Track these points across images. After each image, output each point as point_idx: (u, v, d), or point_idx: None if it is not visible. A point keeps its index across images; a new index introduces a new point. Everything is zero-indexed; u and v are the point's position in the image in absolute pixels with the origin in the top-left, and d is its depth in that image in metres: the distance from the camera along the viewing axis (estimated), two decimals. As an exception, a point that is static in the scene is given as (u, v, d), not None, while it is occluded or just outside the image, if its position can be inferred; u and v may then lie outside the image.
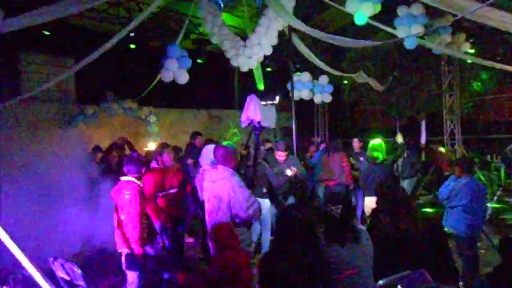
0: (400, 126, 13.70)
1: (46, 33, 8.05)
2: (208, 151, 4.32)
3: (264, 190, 5.86)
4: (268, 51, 7.32)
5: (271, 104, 10.05)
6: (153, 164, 5.28)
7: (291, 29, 7.12)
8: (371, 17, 6.28)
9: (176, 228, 5.25)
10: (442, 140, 11.32)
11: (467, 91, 12.22)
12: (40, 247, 3.93)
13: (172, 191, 5.13)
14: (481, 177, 9.24)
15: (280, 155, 5.95)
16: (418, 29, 6.34)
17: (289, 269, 2.41)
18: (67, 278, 3.48)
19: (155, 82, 8.41)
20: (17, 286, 3.32)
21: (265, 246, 5.81)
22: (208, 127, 12.48)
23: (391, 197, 3.39)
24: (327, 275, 2.59)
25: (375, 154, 6.19)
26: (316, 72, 10.23)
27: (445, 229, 4.64)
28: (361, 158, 7.05)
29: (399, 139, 6.51)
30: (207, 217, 3.91)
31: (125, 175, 4.15)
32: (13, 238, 2.36)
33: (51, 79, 5.60)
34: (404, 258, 2.85)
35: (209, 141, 6.57)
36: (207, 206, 3.92)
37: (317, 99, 10.53)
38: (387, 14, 6.58)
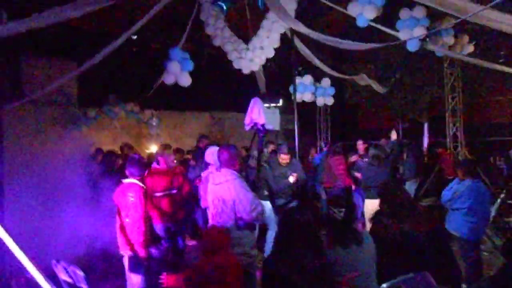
0: (403, 128, 13.66)
1: (48, 36, 8.06)
2: (212, 153, 4.32)
3: (266, 193, 5.86)
4: (271, 54, 7.32)
5: (275, 107, 10.08)
6: (154, 165, 5.29)
7: (293, 31, 7.13)
8: (373, 20, 6.29)
9: (176, 230, 5.25)
10: (445, 142, 11.28)
11: (468, 94, 12.17)
12: (43, 249, 3.94)
13: (172, 192, 5.13)
14: (484, 179, 9.19)
15: (283, 158, 5.95)
16: (420, 31, 6.35)
17: (292, 271, 2.40)
18: (70, 280, 3.47)
19: (157, 84, 8.42)
20: (20, 289, 3.32)
21: (270, 246, 5.80)
22: (210, 130, 12.48)
23: (394, 199, 3.39)
24: (330, 278, 2.59)
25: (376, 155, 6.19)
26: (318, 75, 10.23)
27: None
28: (365, 159, 7.06)
29: (393, 136, 6.51)
30: (210, 219, 3.91)
31: (126, 177, 4.15)
32: (16, 240, 2.35)
33: (54, 82, 5.61)
34: (407, 260, 2.85)
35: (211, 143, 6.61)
36: (211, 209, 3.92)
37: (320, 101, 10.54)
38: (389, 16, 6.58)
